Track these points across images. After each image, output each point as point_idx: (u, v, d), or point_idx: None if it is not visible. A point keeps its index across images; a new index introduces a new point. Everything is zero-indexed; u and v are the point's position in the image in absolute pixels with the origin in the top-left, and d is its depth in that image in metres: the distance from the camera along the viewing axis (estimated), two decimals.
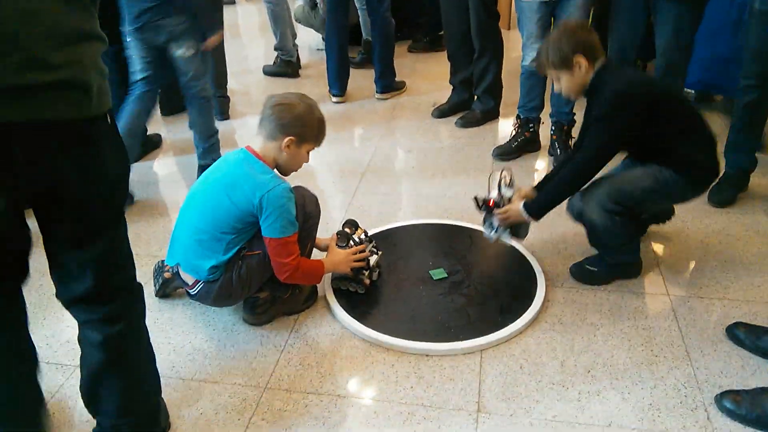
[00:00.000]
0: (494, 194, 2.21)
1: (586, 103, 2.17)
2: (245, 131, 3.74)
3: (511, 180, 2.23)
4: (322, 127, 2.01)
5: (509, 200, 2.20)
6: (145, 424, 1.60)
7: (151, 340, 2.03)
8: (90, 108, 1.21)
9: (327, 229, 2.36)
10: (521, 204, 2.12)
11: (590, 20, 3.06)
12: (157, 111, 3.94)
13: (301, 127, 1.95)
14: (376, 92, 4.20)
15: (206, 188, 2.00)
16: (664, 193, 2.09)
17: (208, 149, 3.09)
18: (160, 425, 1.68)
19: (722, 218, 2.63)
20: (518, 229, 2.23)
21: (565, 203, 2.19)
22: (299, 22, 4.95)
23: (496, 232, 2.24)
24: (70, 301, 1.42)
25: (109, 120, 1.28)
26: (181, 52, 2.83)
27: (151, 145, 3.52)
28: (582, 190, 2.09)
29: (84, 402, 1.56)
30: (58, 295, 1.42)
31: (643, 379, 1.84)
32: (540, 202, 2.13)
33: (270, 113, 1.94)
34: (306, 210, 2.05)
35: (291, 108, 1.94)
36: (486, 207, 2.21)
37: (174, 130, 3.80)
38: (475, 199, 2.24)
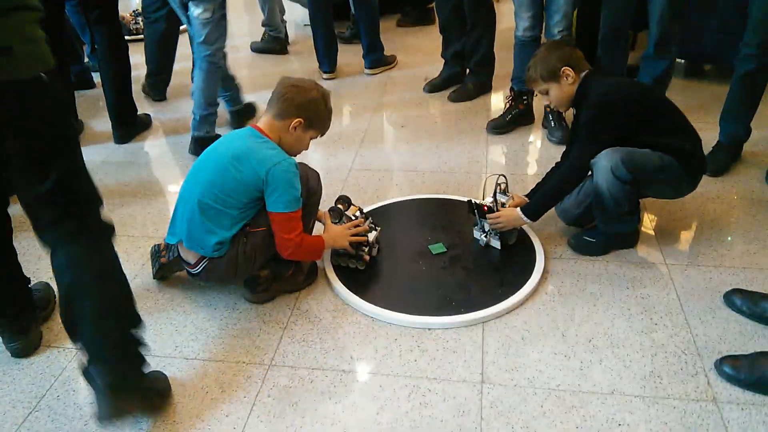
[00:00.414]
0: (488, 200, 2.25)
1: (574, 112, 2.26)
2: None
3: (506, 187, 2.28)
4: (329, 117, 2.06)
5: (503, 206, 2.25)
6: (126, 354, 1.63)
7: (152, 322, 2.04)
8: (13, 71, 1.34)
9: (324, 207, 2.34)
10: (518, 209, 2.19)
11: None
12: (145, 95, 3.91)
13: (312, 112, 1.98)
14: (365, 68, 4.16)
15: (212, 162, 1.98)
16: (667, 175, 2.14)
17: (205, 118, 3.07)
18: (144, 363, 1.67)
19: (717, 187, 2.65)
20: (508, 235, 2.28)
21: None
22: None
23: (487, 236, 2.28)
24: (40, 231, 1.55)
25: (44, 80, 1.40)
26: (198, 12, 2.87)
27: (141, 125, 3.47)
28: (593, 163, 2.12)
29: (68, 334, 1.61)
30: (35, 231, 1.55)
31: (644, 347, 1.86)
32: (536, 206, 2.21)
33: (284, 92, 1.96)
34: (309, 185, 2.06)
35: (306, 92, 1.97)
36: (479, 211, 2.23)
37: (164, 111, 3.76)
38: (470, 202, 2.27)
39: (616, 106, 2.11)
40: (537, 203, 2.21)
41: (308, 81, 2.01)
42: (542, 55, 2.20)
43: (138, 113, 3.46)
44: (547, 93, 2.22)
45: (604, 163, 2.07)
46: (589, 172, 2.20)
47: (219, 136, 2.67)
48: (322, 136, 2.09)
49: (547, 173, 2.39)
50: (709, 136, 3.00)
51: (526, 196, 2.34)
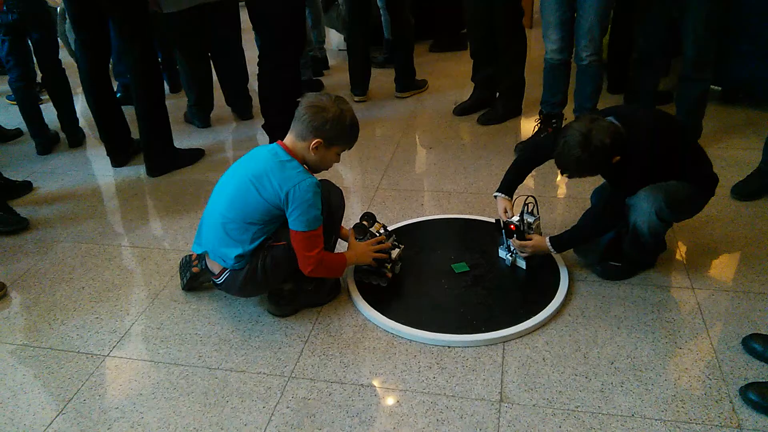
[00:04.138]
0: (516, 219, 2.26)
1: None
2: (258, 133, 3.76)
3: (534, 207, 2.28)
4: (353, 131, 2.02)
5: (529, 226, 2.25)
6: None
7: (178, 331, 2.12)
8: None
9: (349, 225, 2.38)
10: (547, 240, 2.19)
11: (611, 15, 3.05)
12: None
13: (330, 131, 1.95)
14: (396, 91, 4.23)
15: (235, 179, 2.03)
16: (695, 202, 2.14)
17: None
18: None
19: (748, 212, 2.60)
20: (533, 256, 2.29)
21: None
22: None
23: (512, 255, 2.29)
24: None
25: None
26: None
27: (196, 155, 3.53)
28: (630, 205, 2.09)
29: None
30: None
31: (667, 370, 1.83)
32: (565, 240, 2.20)
33: (302, 114, 1.96)
34: (331, 203, 2.08)
35: (322, 111, 1.94)
36: (506, 230, 2.25)
37: (204, 135, 3.87)
38: (497, 221, 2.28)
39: (660, 164, 2.04)
40: (566, 238, 2.19)
41: (328, 98, 1.97)
42: (587, 159, 1.94)
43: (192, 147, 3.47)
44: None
45: (646, 207, 2.03)
46: None
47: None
48: (349, 149, 2.09)
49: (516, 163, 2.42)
50: (743, 161, 2.97)
51: (498, 190, 2.36)
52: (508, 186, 2.35)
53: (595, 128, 1.93)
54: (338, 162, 2.10)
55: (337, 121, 1.95)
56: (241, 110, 4.02)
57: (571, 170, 2.02)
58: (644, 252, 2.20)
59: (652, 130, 2.04)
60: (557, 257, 2.33)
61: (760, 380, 1.75)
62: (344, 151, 2.07)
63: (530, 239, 2.21)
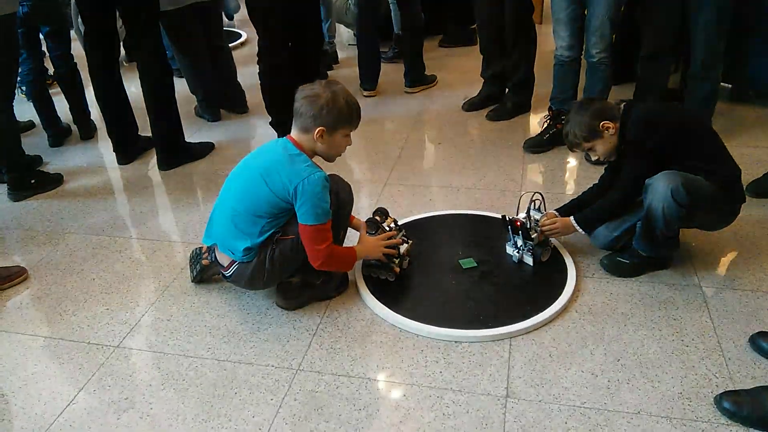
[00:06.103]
0: (522, 215, 2.26)
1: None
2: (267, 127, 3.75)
3: (540, 204, 2.30)
4: (351, 110, 2.00)
5: (536, 222, 2.26)
6: None
7: (188, 323, 2.13)
8: None
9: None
10: (570, 218, 2.27)
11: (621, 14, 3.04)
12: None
13: (327, 116, 1.95)
14: (405, 86, 4.22)
15: (245, 172, 2.05)
16: (715, 205, 2.12)
17: None
18: None
19: (758, 210, 2.59)
20: (540, 251, 2.29)
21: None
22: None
23: (519, 252, 2.30)
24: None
25: None
26: None
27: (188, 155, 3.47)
28: (648, 184, 2.09)
29: None
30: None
31: (674, 368, 1.83)
32: (589, 218, 2.27)
33: (298, 107, 1.98)
34: (339, 197, 2.09)
35: (315, 99, 1.94)
36: (512, 227, 2.25)
37: (213, 130, 3.89)
38: (503, 217, 2.29)
39: (660, 120, 2.11)
40: (590, 215, 2.25)
41: (318, 85, 1.97)
42: (575, 118, 2.18)
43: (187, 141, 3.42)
44: (592, 149, 2.21)
45: (663, 185, 2.02)
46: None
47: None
48: (355, 128, 2.07)
49: (584, 191, 2.41)
50: (755, 159, 2.96)
51: (557, 210, 2.35)
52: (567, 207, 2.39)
53: (597, 99, 2.26)
54: (350, 144, 2.09)
55: (332, 104, 1.94)
56: (233, 104, 3.99)
57: (569, 133, 2.19)
58: (655, 246, 2.18)
59: (651, 102, 2.19)
60: (564, 252, 2.34)
61: (734, 389, 1.72)
62: (351, 131, 2.06)
63: (554, 222, 2.26)
